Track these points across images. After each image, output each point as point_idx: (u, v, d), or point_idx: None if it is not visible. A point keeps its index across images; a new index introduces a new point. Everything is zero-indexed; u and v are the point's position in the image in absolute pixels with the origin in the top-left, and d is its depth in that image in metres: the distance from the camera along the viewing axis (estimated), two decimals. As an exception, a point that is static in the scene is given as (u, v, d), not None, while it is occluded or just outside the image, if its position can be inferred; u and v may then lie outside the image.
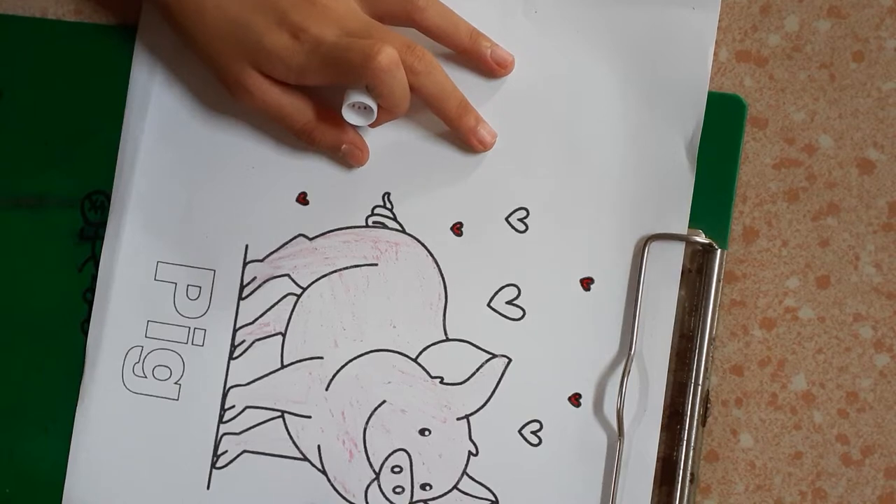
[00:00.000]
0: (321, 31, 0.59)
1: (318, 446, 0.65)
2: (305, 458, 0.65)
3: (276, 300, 0.66)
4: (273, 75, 0.61)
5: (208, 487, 0.65)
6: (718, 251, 0.61)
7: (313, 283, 0.66)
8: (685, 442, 0.61)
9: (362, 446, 0.64)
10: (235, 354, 0.66)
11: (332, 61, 0.59)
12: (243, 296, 0.66)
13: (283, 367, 0.65)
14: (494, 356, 0.64)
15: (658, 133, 0.63)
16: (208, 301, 0.66)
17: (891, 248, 0.61)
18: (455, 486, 0.64)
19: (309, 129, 0.63)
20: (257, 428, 0.65)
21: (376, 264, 0.65)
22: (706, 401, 0.62)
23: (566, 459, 0.63)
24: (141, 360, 0.67)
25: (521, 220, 0.64)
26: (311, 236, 0.66)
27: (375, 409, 0.64)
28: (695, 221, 0.62)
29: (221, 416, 0.66)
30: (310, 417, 0.65)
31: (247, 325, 0.66)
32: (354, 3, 0.61)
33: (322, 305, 0.65)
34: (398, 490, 0.64)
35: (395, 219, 0.65)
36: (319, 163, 0.66)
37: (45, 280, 0.68)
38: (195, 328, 0.66)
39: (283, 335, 0.66)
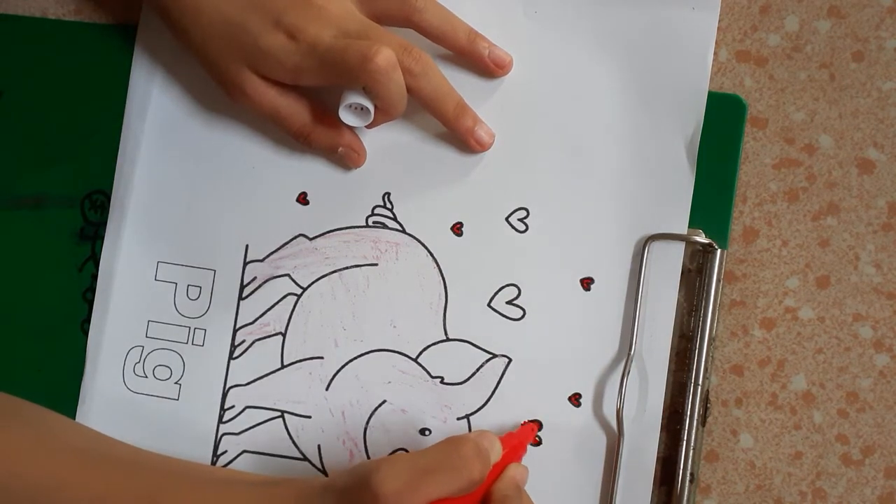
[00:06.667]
0: (318, 32, 0.59)
1: (319, 446, 0.65)
2: (305, 458, 0.65)
3: (276, 300, 0.66)
4: (269, 76, 0.61)
5: (208, 487, 0.65)
6: (718, 251, 0.61)
7: (313, 283, 0.66)
8: (685, 442, 0.61)
9: (362, 446, 0.65)
10: (235, 354, 0.66)
11: (329, 62, 0.59)
12: (243, 296, 0.66)
13: (283, 367, 0.65)
14: (494, 356, 0.64)
15: (658, 133, 0.63)
16: (208, 301, 0.66)
17: (891, 248, 0.61)
18: (455, 486, 0.64)
19: (306, 132, 0.63)
20: (257, 428, 0.65)
21: (376, 264, 0.65)
22: (706, 401, 0.62)
23: (566, 459, 0.63)
24: (141, 360, 0.67)
25: (521, 220, 0.64)
26: (311, 236, 0.66)
27: (376, 408, 0.65)
28: (695, 221, 0.62)
29: (221, 416, 0.66)
30: (310, 417, 0.65)
31: (247, 325, 0.66)
32: (351, 4, 0.61)
33: (322, 305, 0.65)
34: (398, 490, 0.64)
35: (395, 219, 0.65)
36: (319, 163, 0.66)
37: (45, 280, 0.68)
38: (195, 328, 0.66)
39: (283, 335, 0.66)
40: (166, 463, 0.62)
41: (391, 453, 0.64)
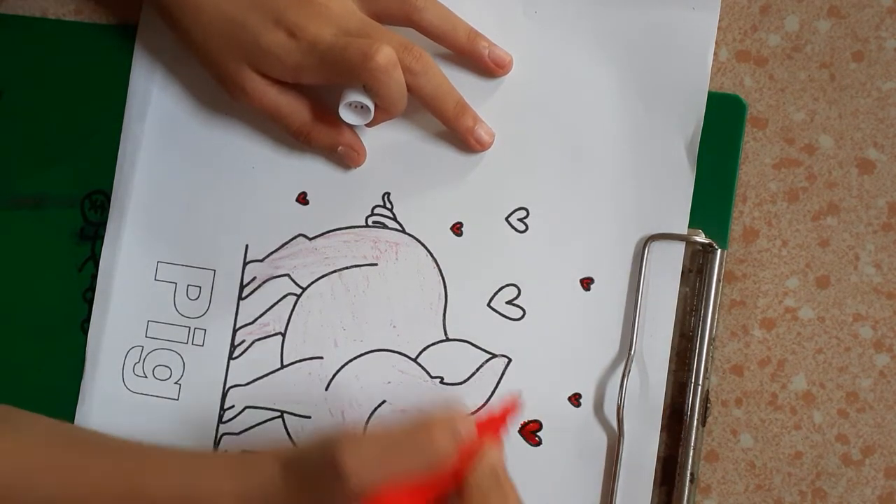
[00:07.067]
0: (318, 30, 0.59)
1: (318, 446, 0.65)
2: (305, 458, 0.65)
3: (276, 300, 0.66)
4: (270, 74, 0.61)
5: (208, 487, 0.65)
6: (718, 251, 0.61)
7: (313, 283, 0.66)
8: (685, 442, 0.61)
9: (362, 446, 0.64)
10: (235, 354, 0.66)
11: (330, 60, 0.59)
12: (243, 296, 0.66)
13: (282, 367, 0.65)
14: (494, 356, 0.64)
15: (658, 133, 0.63)
16: (208, 301, 0.66)
17: (891, 248, 0.61)
18: (455, 486, 0.64)
19: (306, 130, 0.63)
20: (257, 428, 0.65)
21: (376, 264, 0.65)
22: (706, 401, 0.62)
23: (566, 459, 0.63)
24: (141, 360, 0.67)
25: (521, 220, 0.64)
26: (311, 236, 0.66)
27: (375, 409, 0.64)
28: (695, 221, 0.62)
29: (221, 416, 0.66)
30: (309, 417, 0.65)
31: (247, 325, 0.66)
32: (352, 2, 0.62)
33: (322, 305, 0.65)
34: (398, 490, 0.64)
35: (395, 219, 0.65)
36: (319, 163, 0.66)
37: (45, 280, 0.68)
38: (195, 328, 0.66)
39: (283, 335, 0.66)
40: (149, 445, 0.61)
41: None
